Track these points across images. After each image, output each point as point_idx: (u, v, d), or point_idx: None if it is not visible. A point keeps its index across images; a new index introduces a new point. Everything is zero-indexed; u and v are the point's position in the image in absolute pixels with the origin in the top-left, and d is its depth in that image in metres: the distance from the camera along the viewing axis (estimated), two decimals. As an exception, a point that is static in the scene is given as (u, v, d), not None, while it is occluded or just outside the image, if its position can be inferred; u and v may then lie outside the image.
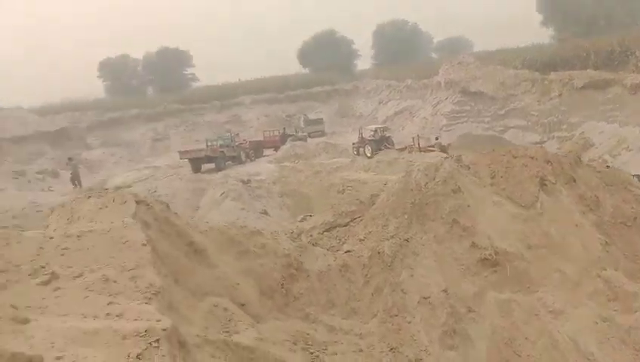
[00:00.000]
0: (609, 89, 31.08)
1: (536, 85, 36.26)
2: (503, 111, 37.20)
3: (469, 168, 7.91)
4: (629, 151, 26.29)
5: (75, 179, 29.37)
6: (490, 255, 7.28)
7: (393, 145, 34.49)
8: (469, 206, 7.37)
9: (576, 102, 33.17)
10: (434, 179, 7.35)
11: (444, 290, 6.98)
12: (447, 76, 41.67)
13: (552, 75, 35.44)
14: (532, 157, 7.95)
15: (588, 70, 33.89)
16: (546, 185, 7.93)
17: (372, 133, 35.57)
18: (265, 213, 20.61)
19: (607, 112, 30.85)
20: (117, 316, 4.03)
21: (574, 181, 8.46)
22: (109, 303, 4.14)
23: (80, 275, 4.35)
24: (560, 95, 34.32)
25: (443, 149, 29.08)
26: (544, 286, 7.53)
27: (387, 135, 36.00)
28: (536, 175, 7.84)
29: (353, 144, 35.95)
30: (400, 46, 71.04)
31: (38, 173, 31.92)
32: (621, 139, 28.35)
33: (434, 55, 76.70)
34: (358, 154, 34.23)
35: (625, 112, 29.49)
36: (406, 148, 32.08)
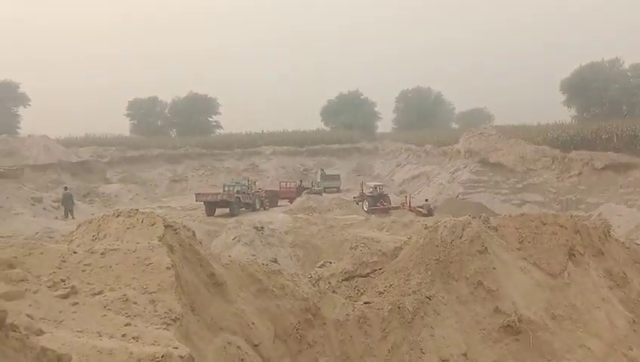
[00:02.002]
0: (629, 172, 30.94)
1: (557, 162, 36.25)
2: (521, 185, 37.04)
3: (497, 230, 7.75)
4: (649, 236, 25.78)
5: (68, 209, 29.71)
6: (513, 322, 7.00)
7: (390, 202, 36.58)
8: (494, 268, 7.16)
9: (595, 183, 32.99)
10: (460, 237, 7.20)
11: (464, 354, 6.69)
12: (468, 145, 41.90)
13: (573, 154, 35.45)
14: (561, 226, 7.78)
15: (609, 152, 33.86)
16: (574, 255, 7.72)
17: (371, 189, 37.62)
18: (275, 261, 20.35)
19: (626, 195, 30.55)
20: (133, 338, 3.87)
21: (603, 254, 8.24)
22: (127, 324, 4.00)
23: (100, 292, 4.23)
24: (580, 174, 34.21)
25: (429, 211, 31.51)
26: (567, 361, 7.18)
27: (385, 193, 37.92)
28: (565, 244, 7.65)
29: (354, 198, 38.00)
30: (422, 112, 72.19)
31: (54, 201, 32.12)
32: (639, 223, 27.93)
33: (455, 125, 77.63)
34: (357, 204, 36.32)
35: (645, 197, 29.20)
36: (400, 205, 34.30)
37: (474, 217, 7.89)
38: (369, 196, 36.67)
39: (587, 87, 53.66)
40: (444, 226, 7.38)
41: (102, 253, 4.67)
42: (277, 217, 31.81)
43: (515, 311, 7.04)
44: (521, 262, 7.51)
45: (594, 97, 54.07)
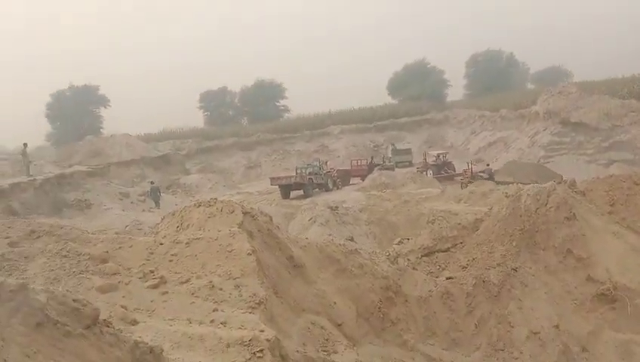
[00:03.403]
0: None
1: (646, 116, 33.61)
2: (607, 144, 34.69)
3: (584, 195, 7.29)
4: None
5: (155, 201, 31.45)
6: (608, 290, 6.60)
7: (454, 170, 36.68)
8: (584, 235, 6.76)
9: (693, 136, 30.34)
10: (545, 204, 6.84)
11: (556, 326, 6.39)
12: (547, 106, 39.63)
13: (664, 105, 32.73)
14: (657, 185, 7.20)
15: None
16: (673, 215, 7.13)
17: (434, 158, 37.99)
18: (351, 239, 20.38)
19: None
20: (222, 323, 4.02)
21: None
22: (214, 310, 4.15)
23: (187, 281, 4.41)
24: (673, 127, 31.59)
25: (491, 175, 30.95)
26: (672, 329, 6.69)
27: (449, 160, 38.15)
28: (663, 204, 7.08)
29: (417, 168, 38.11)
30: (494, 76, 68.84)
31: (140, 195, 33.96)
32: None
33: (531, 86, 73.56)
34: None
35: None
36: (462, 172, 34.18)
37: (559, 182, 7.47)
38: (433, 165, 37.16)
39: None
40: (528, 194, 7.04)
41: (186, 243, 4.86)
42: (350, 196, 31.83)
43: (610, 278, 6.63)
44: (614, 226, 7.04)
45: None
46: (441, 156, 38.29)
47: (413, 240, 8.37)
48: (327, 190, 35.99)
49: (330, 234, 20.38)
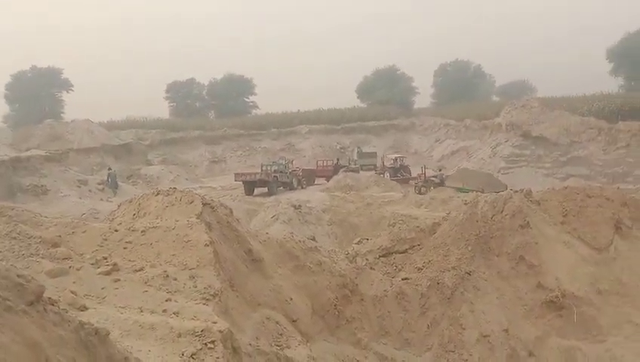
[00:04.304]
0: (682, 143, 29.55)
1: (603, 134, 34.88)
2: (565, 158, 35.86)
3: (539, 204, 7.52)
4: None
5: (112, 189, 31.34)
6: (556, 297, 6.83)
7: (410, 173, 38.82)
8: (537, 243, 6.97)
9: (644, 155, 31.69)
10: (501, 212, 7.02)
11: (505, 330, 6.58)
12: (509, 118, 40.70)
13: (620, 125, 34.06)
14: (608, 199, 7.48)
15: (659, 122, 32.41)
16: (621, 228, 7.42)
17: (392, 161, 40.31)
18: (313, 238, 20.42)
19: (679, 167, 29.27)
20: (174, 313, 3.96)
21: (653, 228, 7.89)
22: (167, 300, 4.09)
23: (141, 269, 4.33)
24: (627, 145, 32.91)
25: (442, 180, 32.78)
26: (613, 337, 6.96)
27: (405, 164, 40.54)
28: (612, 217, 7.36)
29: (375, 170, 40.34)
30: (461, 86, 70.25)
31: (99, 183, 33.14)
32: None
33: (496, 98, 75.36)
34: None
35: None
36: (417, 176, 36.29)
37: (516, 191, 7.68)
38: (390, 167, 39.32)
39: (635, 55, 51.10)
40: (485, 201, 7.21)
41: (142, 231, 4.77)
42: (314, 196, 31.86)
43: (559, 286, 6.86)
44: (566, 236, 7.29)
45: (643, 65, 51.52)
46: (398, 160, 40.63)
47: (372, 240, 8.46)
48: (292, 189, 35.99)
49: (291, 233, 20.36)
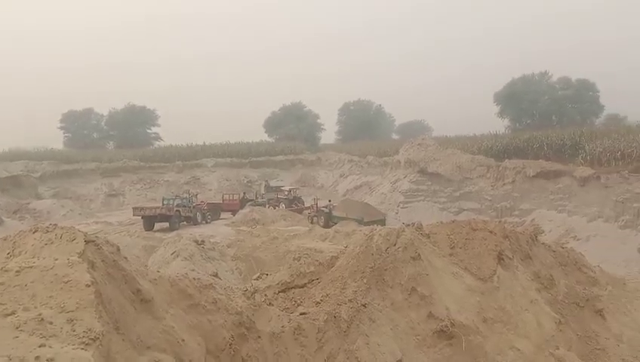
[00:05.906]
0: (559, 179, 32.63)
1: (491, 171, 37.70)
2: (458, 193, 38.29)
3: (429, 237, 7.91)
4: (577, 240, 27.21)
5: None
6: (446, 326, 7.14)
7: (303, 204, 42.40)
8: (427, 274, 7.29)
9: (528, 190, 34.59)
10: (394, 244, 7.29)
11: (399, 361, 6.74)
12: (407, 156, 42.93)
13: (507, 162, 37.02)
14: (491, 231, 8.04)
15: (540, 160, 35.61)
16: (503, 259, 7.99)
17: (287, 193, 43.52)
18: (215, 275, 19.92)
19: (556, 201, 32.21)
20: (47, 359, 3.64)
21: (530, 258, 8.57)
22: (41, 345, 3.75)
23: (12, 313, 3.96)
24: (513, 181, 35.75)
25: (330, 210, 36.03)
26: (498, 363, 7.39)
27: (299, 196, 44.12)
28: (495, 249, 7.90)
29: (269, 201, 42.76)
30: (364, 124, 73.40)
31: (-19, 218, 30.29)
32: (569, 228, 29.45)
33: (395, 136, 79.44)
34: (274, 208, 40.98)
35: (573, 202, 30.85)
36: (310, 207, 39.31)
37: (408, 225, 8.03)
38: (284, 199, 42.64)
39: (519, 99, 56.36)
40: (379, 234, 7.46)
41: (16, 271, 4.38)
42: (219, 230, 31.32)
43: (448, 315, 7.18)
44: (453, 267, 7.70)
45: (525, 108, 56.85)
46: (292, 191, 43.95)
47: (272, 275, 8.40)
48: (196, 223, 35.13)
49: (193, 270, 19.71)
